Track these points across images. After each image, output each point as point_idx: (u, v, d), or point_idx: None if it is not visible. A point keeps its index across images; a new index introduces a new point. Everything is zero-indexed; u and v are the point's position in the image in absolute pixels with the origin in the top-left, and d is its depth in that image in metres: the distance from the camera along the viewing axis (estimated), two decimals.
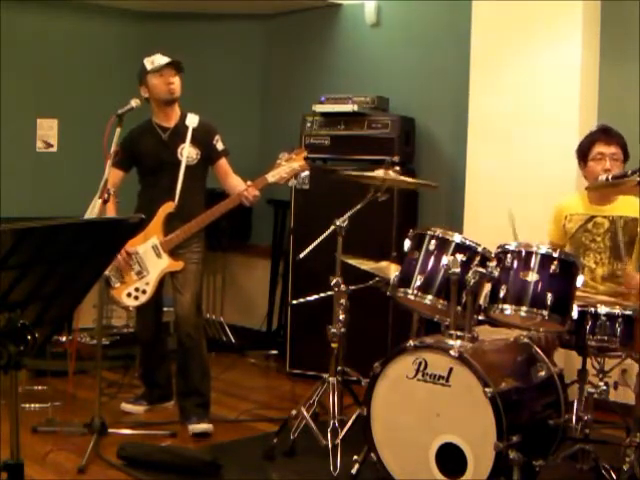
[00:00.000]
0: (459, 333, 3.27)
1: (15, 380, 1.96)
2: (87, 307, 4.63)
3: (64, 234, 1.87)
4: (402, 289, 3.44)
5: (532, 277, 3.25)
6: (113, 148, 3.85)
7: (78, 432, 3.95)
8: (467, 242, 3.39)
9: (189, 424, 4.14)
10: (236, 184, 4.26)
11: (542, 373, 3.41)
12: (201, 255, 4.28)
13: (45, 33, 6.02)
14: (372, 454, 3.29)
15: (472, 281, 3.26)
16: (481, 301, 3.39)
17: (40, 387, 4.76)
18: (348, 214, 3.82)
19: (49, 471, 3.60)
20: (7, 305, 1.83)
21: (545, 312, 3.21)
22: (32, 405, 4.44)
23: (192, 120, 4.27)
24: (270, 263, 6.19)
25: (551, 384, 3.41)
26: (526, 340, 3.50)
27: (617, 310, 3.31)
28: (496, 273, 3.30)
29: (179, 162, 4.21)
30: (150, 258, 4.17)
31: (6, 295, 1.81)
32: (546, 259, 3.27)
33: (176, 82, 4.21)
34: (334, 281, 3.77)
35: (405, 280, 3.44)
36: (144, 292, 4.18)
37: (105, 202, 3.76)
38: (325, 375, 3.84)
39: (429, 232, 3.45)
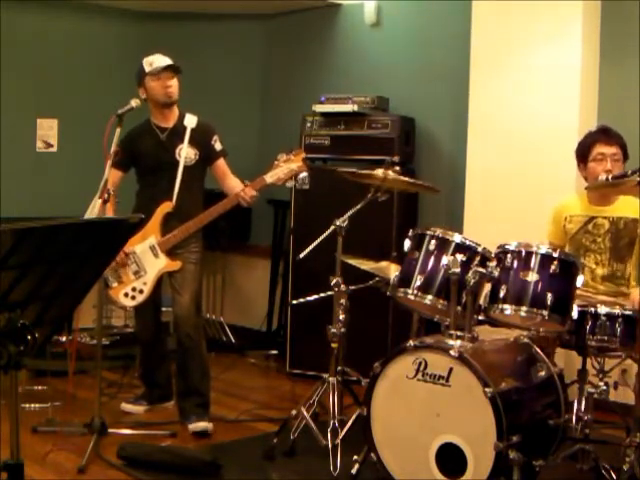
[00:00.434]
0: (459, 333, 3.28)
1: (15, 380, 1.96)
2: (87, 307, 4.62)
3: (64, 234, 1.87)
4: (402, 289, 3.44)
5: (532, 277, 3.25)
6: (113, 148, 3.86)
7: (78, 432, 3.95)
8: (467, 242, 3.39)
9: (189, 423, 4.14)
10: (234, 185, 4.26)
11: (542, 373, 3.41)
12: (199, 255, 4.28)
13: (45, 33, 6.02)
14: (372, 454, 3.29)
15: (472, 281, 3.26)
16: (481, 301, 3.39)
17: (40, 387, 4.76)
18: (348, 214, 3.82)
19: (49, 471, 3.59)
20: (7, 305, 1.83)
21: (545, 312, 3.21)
22: (32, 405, 4.44)
23: (190, 120, 4.27)
24: (270, 263, 6.19)
25: (551, 384, 3.41)
26: (526, 340, 3.50)
27: (617, 310, 3.32)
28: (496, 273, 3.30)
29: (177, 162, 4.21)
30: (148, 258, 4.17)
31: (6, 295, 1.81)
32: (546, 259, 3.27)
33: (174, 85, 4.21)
34: (334, 281, 3.77)
35: (405, 280, 3.45)
36: (141, 292, 4.18)
37: (105, 202, 3.76)
38: (325, 375, 3.83)
39: (429, 232, 3.45)
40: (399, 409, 3.26)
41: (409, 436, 3.23)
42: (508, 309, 3.27)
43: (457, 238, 3.41)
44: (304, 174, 4.10)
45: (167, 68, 4.18)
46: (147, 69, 4.19)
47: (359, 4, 5.85)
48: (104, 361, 4.55)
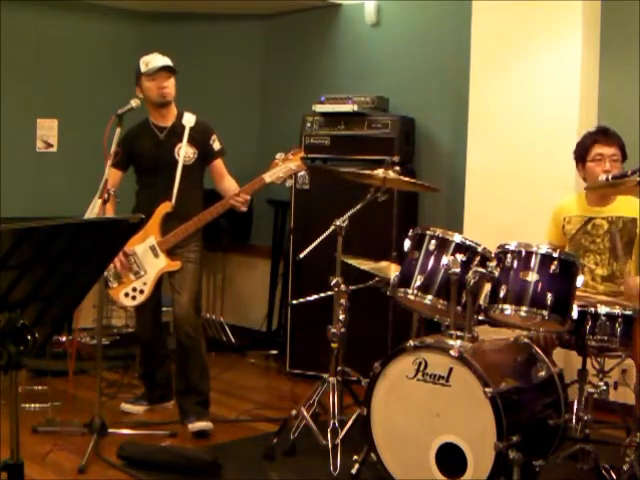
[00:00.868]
0: (459, 333, 3.28)
1: (15, 380, 1.96)
2: (87, 307, 4.63)
3: (64, 234, 1.87)
4: (402, 289, 3.44)
5: (532, 277, 3.25)
6: (113, 148, 3.86)
7: (78, 432, 3.95)
8: (467, 242, 3.39)
9: (188, 423, 4.14)
10: (229, 187, 4.25)
11: (542, 373, 3.41)
12: (199, 255, 4.28)
13: (45, 33, 6.02)
14: (372, 454, 3.29)
15: (472, 281, 3.26)
16: (481, 301, 3.39)
17: (40, 387, 4.76)
18: (348, 214, 3.82)
19: (49, 471, 3.60)
20: (7, 305, 1.83)
21: (545, 312, 3.21)
22: (32, 405, 4.44)
23: (189, 119, 4.27)
24: (270, 263, 6.19)
25: (551, 384, 3.41)
26: (526, 340, 3.50)
27: (617, 310, 3.31)
28: (496, 273, 3.30)
29: (176, 162, 4.20)
30: (147, 258, 4.17)
31: (6, 295, 1.81)
32: (546, 259, 3.27)
33: (169, 86, 4.20)
34: (334, 281, 3.77)
35: (405, 280, 3.44)
36: (141, 292, 4.18)
37: (105, 202, 3.77)
38: (325, 375, 3.83)
39: (429, 232, 3.45)
40: (399, 409, 3.26)
41: (409, 436, 3.23)
42: (508, 309, 3.27)
43: (457, 238, 3.41)
44: (302, 173, 4.10)
45: (163, 68, 4.17)
46: (143, 69, 4.18)
47: (359, 4, 5.85)
48: (104, 361, 4.55)
